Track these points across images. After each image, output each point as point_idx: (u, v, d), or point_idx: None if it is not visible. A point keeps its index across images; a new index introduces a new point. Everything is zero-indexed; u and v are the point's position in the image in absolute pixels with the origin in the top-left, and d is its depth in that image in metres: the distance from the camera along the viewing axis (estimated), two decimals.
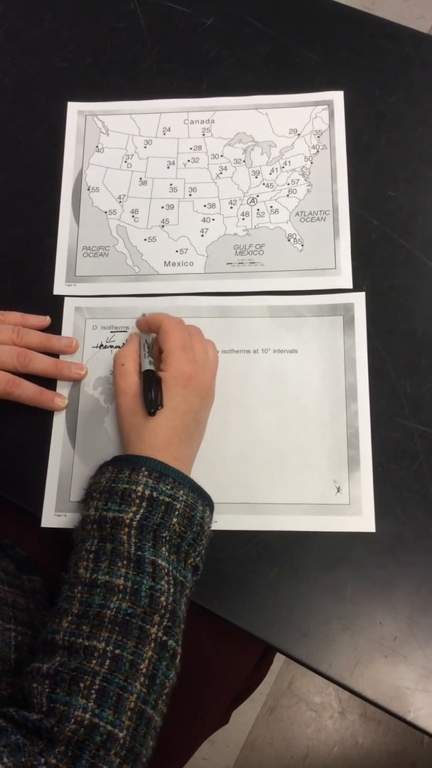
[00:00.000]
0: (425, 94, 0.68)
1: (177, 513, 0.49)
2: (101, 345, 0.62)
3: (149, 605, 0.45)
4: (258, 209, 0.65)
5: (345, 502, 0.56)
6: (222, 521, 0.56)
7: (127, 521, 0.48)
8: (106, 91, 0.70)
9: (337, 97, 0.68)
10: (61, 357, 0.61)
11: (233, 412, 0.59)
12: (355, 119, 0.67)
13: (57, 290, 0.64)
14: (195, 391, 0.54)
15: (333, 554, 0.55)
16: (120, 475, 0.50)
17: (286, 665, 1.25)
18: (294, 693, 1.24)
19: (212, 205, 0.66)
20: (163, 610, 0.46)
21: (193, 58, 0.71)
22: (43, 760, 0.39)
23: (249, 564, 0.55)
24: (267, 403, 0.59)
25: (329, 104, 0.67)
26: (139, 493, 0.49)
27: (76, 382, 0.61)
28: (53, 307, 0.63)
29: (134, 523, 0.48)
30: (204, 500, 0.51)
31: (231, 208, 0.65)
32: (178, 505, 0.49)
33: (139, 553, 0.47)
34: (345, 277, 0.62)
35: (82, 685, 0.42)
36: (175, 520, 0.48)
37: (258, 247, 0.64)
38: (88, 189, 0.67)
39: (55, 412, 0.60)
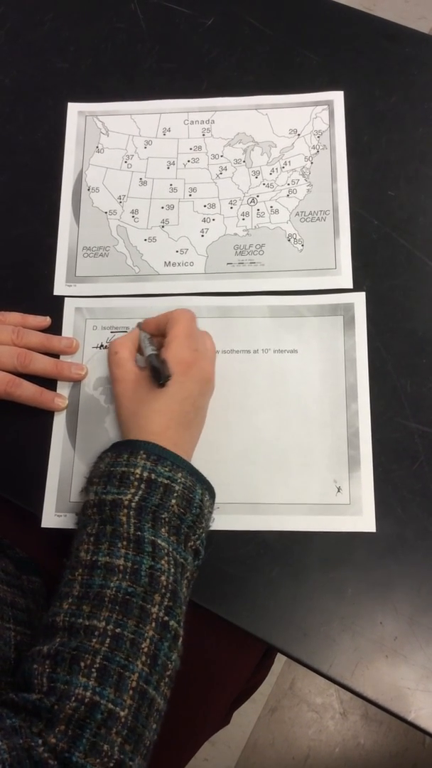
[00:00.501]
0: (425, 95, 0.68)
1: (176, 495, 0.49)
2: (101, 345, 0.62)
3: (149, 584, 0.45)
4: (258, 209, 0.65)
5: (345, 502, 0.56)
6: (222, 521, 0.56)
7: (126, 502, 0.48)
8: (106, 91, 0.70)
9: (338, 97, 0.68)
10: (61, 357, 0.61)
11: (234, 412, 0.59)
12: (355, 119, 0.67)
13: (57, 291, 0.64)
14: (194, 378, 0.54)
15: (333, 554, 0.55)
16: (119, 459, 0.50)
17: (287, 666, 1.25)
18: (295, 694, 1.24)
19: (212, 206, 0.66)
20: (163, 590, 0.46)
21: (193, 58, 0.71)
22: (41, 741, 0.39)
23: (249, 564, 0.55)
24: (267, 403, 0.59)
25: (329, 104, 0.67)
26: (137, 476, 0.49)
27: (76, 382, 0.61)
28: (53, 307, 0.63)
29: (133, 504, 0.48)
30: (203, 484, 0.52)
31: (231, 208, 0.65)
32: (177, 487, 0.49)
33: (139, 533, 0.47)
34: (345, 277, 0.62)
35: (82, 664, 0.42)
36: (173, 501, 0.49)
37: (258, 247, 0.64)
38: (89, 189, 0.67)
39: (55, 413, 0.60)
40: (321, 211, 0.64)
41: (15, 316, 0.62)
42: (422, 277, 0.62)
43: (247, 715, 1.22)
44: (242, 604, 0.54)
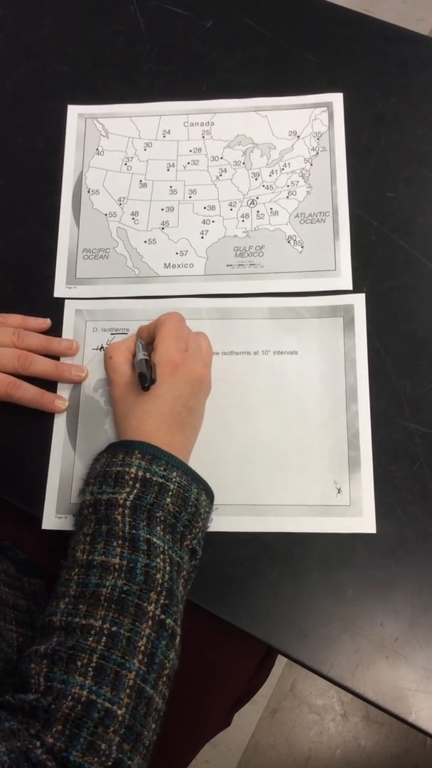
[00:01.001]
0: (424, 96, 0.68)
1: (171, 493, 0.49)
2: (101, 347, 0.62)
3: (145, 582, 0.45)
4: (258, 211, 0.65)
5: (345, 503, 0.56)
6: (222, 523, 0.56)
7: (121, 501, 0.48)
8: (106, 94, 0.70)
9: (337, 99, 0.68)
10: (61, 359, 0.61)
11: (234, 413, 0.59)
12: (354, 121, 0.67)
13: (57, 293, 0.64)
14: (183, 378, 0.54)
15: (334, 555, 0.55)
16: (114, 460, 0.51)
17: (288, 668, 1.25)
18: (296, 695, 1.24)
19: (212, 207, 0.66)
20: (159, 588, 0.46)
21: (192, 60, 0.71)
22: (39, 743, 0.39)
23: (250, 565, 0.55)
24: (267, 404, 0.59)
25: (329, 106, 0.68)
26: (132, 475, 0.49)
27: (76, 384, 0.61)
28: (54, 309, 0.63)
29: (128, 503, 0.48)
30: (199, 484, 0.52)
31: (231, 210, 0.65)
32: (172, 486, 0.49)
33: (134, 531, 0.47)
34: (345, 279, 0.62)
35: (79, 663, 0.42)
36: (168, 500, 0.49)
37: (258, 248, 0.64)
38: (89, 191, 0.67)
39: (55, 415, 0.60)
40: (320, 212, 0.64)
41: (15, 318, 0.62)
42: (422, 278, 0.62)
43: (247, 717, 1.22)
44: (242, 605, 0.54)
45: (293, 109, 0.68)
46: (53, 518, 0.57)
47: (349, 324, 0.61)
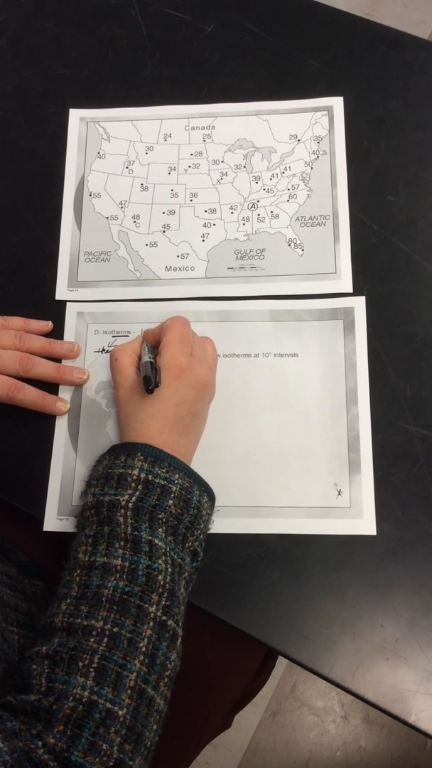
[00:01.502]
0: (424, 100, 0.68)
1: (173, 495, 0.49)
2: (103, 350, 0.62)
3: (146, 583, 0.46)
4: (258, 214, 0.65)
5: (346, 505, 0.56)
6: (223, 524, 0.56)
7: (123, 503, 0.48)
8: (107, 97, 0.71)
9: (337, 102, 0.68)
10: (63, 362, 0.62)
11: (234, 415, 0.59)
12: (354, 125, 0.67)
13: (59, 295, 0.64)
14: (188, 383, 0.54)
15: (334, 557, 0.55)
16: (116, 461, 0.51)
17: (289, 669, 1.25)
18: (296, 697, 1.24)
19: (213, 211, 0.66)
20: (161, 589, 0.46)
21: (193, 64, 0.71)
22: (41, 743, 0.39)
23: (250, 567, 0.55)
24: (268, 406, 0.59)
25: (329, 110, 0.68)
26: (134, 477, 0.49)
27: (78, 386, 0.61)
28: (55, 312, 0.63)
29: (130, 504, 0.48)
30: (201, 486, 0.52)
31: (232, 213, 0.66)
32: (174, 488, 0.50)
33: (136, 533, 0.47)
34: (345, 282, 0.62)
35: (80, 663, 0.42)
36: (171, 502, 0.49)
37: (258, 251, 0.64)
38: (90, 195, 0.67)
39: (57, 417, 0.60)
40: (321, 215, 0.65)
41: (17, 321, 0.62)
42: (422, 281, 0.62)
43: (248, 719, 1.22)
44: (243, 607, 0.54)
45: (294, 112, 0.68)
46: (55, 520, 0.57)
47: (349, 327, 0.61)
